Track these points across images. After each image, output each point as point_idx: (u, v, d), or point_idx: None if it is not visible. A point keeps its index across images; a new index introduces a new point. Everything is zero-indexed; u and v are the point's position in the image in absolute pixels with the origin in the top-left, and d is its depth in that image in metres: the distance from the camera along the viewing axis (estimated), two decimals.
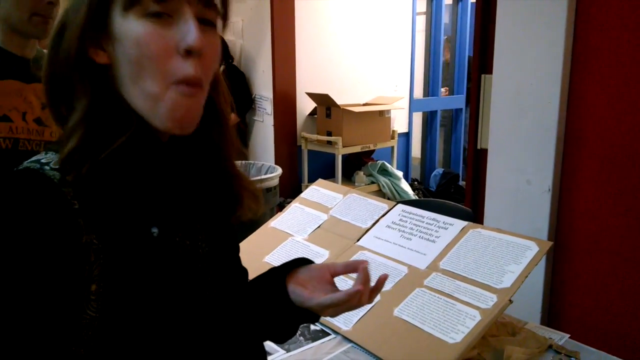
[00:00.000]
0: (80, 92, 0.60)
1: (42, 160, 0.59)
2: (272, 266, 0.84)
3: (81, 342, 0.58)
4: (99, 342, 0.58)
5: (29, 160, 0.60)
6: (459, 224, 1.38)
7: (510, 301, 1.13)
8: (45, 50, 1.30)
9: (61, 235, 0.55)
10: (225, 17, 0.65)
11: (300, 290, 0.76)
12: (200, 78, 0.61)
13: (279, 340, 0.88)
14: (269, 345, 1.18)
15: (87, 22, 0.59)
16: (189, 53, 0.59)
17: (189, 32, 0.58)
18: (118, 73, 0.61)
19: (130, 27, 0.58)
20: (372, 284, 0.76)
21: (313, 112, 3.97)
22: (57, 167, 0.58)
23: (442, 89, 5.16)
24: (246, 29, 3.84)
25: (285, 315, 0.77)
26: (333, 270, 0.79)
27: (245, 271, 0.86)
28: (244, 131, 3.96)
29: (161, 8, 0.58)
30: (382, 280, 0.76)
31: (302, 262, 0.81)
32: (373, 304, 1.25)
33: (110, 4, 0.59)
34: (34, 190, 0.56)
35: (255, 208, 0.77)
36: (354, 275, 0.76)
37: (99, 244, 0.58)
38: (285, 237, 1.55)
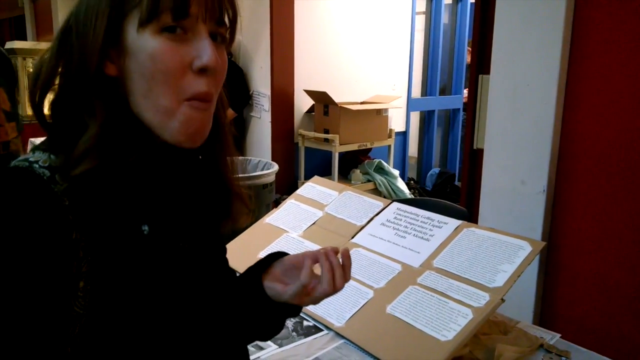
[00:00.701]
0: (98, 107, 0.60)
1: (31, 159, 0.59)
2: None
3: (68, 339, 0.57)
4: (85, 339, 0.58)
5: (17, 159, 0.60)
6: (453, 222, 1.39)
7: (503, 300, 1.14)
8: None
9: (51, 231, 0.55)
10: (232, 32, 0.66)
11: (275, 285, 0.76)
12: (212, 94, 0.62)
13: (266, 338, 0.88)
14: None
15: (106, 37, 0.59)
16: (203, 71, 0.60)
17: (205, 51, 0.60)
18: (129, 86, 0.61)
19: (146, 42, 0.58)
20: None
21: (310, 110, 3.97)
22: (46, 165, 0.58)
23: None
24: (245, 25, 3.84)
25: (265, 313, 0.77)
26: (313, 258, 0.77)
27: (232, 272, 0.86)
28: (242, 127, 3.96)
29: (177, 24, 0.59)
30: (345, 255, 0.74)
31: (277, 257, 0.81)
32: (366, 300, 1.26)
33: (124, 19, 0.59)
34: (24, 187, 0.56)
35: (240, 224, 0.78)
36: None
37: (88, 240, 0.57)
38: (280, 233, 1.55)
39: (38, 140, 3.73)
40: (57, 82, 0.63)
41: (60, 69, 0.62)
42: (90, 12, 0.60)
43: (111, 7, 0.59)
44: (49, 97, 0.63)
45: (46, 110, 0.64)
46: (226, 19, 0.64)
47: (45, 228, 0.55)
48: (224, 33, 0.64)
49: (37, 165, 0.58)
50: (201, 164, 0.72)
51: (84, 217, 0.57)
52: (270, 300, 0.76)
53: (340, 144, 3.71)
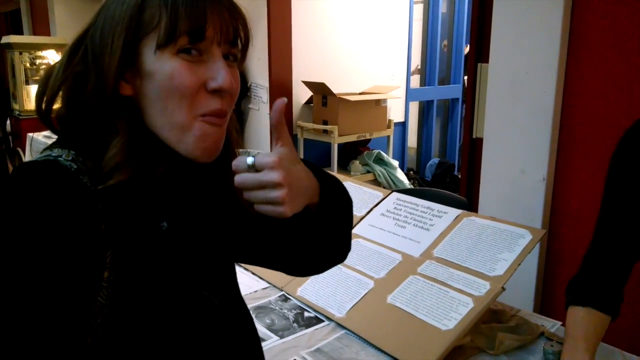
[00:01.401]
0: (119, 126, 0.62)
1: (53, 154, 0.60)
2: None
3: (89, 330, 0.59)
4: (105, 330, 0.60)
5: (39, 156, 0.61)
6: (453, 212, 1.39)
7: (503, 289, 1.14)
8: None
9: (82, 220, 0.57)
10: (244, 51, 0.68)
11: None
12: (225, 110, 0.64)
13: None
14: (262, 331, 1.19)
15: (122, 60, 0.61)
16: (217, 92, 0.62)
17: (220, 73, 0.62)
18: (144, 105, 0.63)
19: (163, 64, 0.61)
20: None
21: (309, 101, 3.96)
22: (69, 159, 0.60)
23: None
24: None
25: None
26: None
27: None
28: (240, 119, 3.95)
29: (194, 47, 0.61)
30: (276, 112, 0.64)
31: None
32: (367, 290, 1.26)
33: (140, 42, 0.61)
34: (55, 177, 0.57)
35: None
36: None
37: (113, 232, 0.59)
38: None
39: (37, 136, 3.71)
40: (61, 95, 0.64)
41: (68, 84, 0.63)
42: (106, 35, 0.62)
43: (127, 31, 0.61)
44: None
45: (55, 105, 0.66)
46: (239, 40, 0.66)
47: (77, 216, 0.56)
48: (236, 53, 0.66)
49: (62, 159, 0.60)
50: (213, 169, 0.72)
51: (110, 209, 0.59)
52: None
53: (339, 135, 3.70)
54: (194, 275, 0.69)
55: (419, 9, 4.91)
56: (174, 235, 0.66)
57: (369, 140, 4.19)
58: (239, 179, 0.60)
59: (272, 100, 3.70)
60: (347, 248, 0.80)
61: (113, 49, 0.61)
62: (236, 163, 0.60)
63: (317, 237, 0.73)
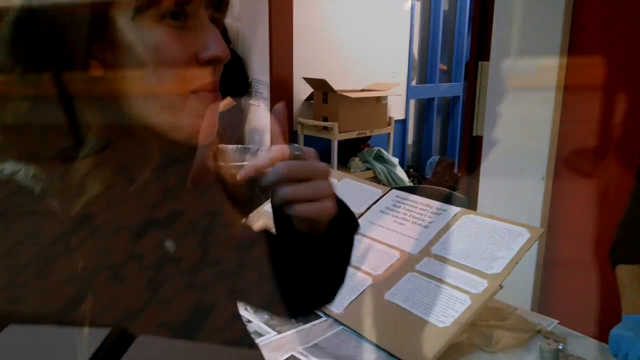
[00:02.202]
0: (90, 120, 0.50)
1: (6, 172, 0.49)
2: None
3: None
4: None
5: None
6: (452, 209, 1.39)
7: (501, 286, 1.14)
8: None
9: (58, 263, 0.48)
10: (224, 13, 0.61)
11: None
12: (217, 83, 0.56)
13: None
14: (260, 327, 1.19)
15: (92, 31, 0.49)
16: (211, 62, 0.54)
17: (213, 40, 0.53)
18: (120, 86, 0.51)
19: (144, 33, 0.49)
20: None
21: (310, 98, 3.96)
22: (30, 175, 0.48)
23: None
24: (243, 12, 3.81)
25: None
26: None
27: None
28: (241, 115, 3.95)
29: (180, 10, 0.51)
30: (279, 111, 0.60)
31: None
32: (365, 287, 1.26)
33: (111, 6, 0.49)
34: (15, 206, 0.48)
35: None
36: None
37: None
38: None
39: None
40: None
41: (18, 69, 0.49)
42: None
43: None
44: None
45: None
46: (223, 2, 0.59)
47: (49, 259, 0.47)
48: (220, 18, 0.58)
49: (19, 177, 0.47)
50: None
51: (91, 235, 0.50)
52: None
53: (340, 132, 3.71)
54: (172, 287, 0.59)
55: (420, 6, 4.91)
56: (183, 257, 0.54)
57: (369, 137, 4.19)
58: (285, 166, 0.52)
59: (272, 96, 3.70)
60: (340, 283, 0.72)
61: (78, 17, 0.47)
62: (279, 149, 0.52)
63: (317, 267, 0.65)
